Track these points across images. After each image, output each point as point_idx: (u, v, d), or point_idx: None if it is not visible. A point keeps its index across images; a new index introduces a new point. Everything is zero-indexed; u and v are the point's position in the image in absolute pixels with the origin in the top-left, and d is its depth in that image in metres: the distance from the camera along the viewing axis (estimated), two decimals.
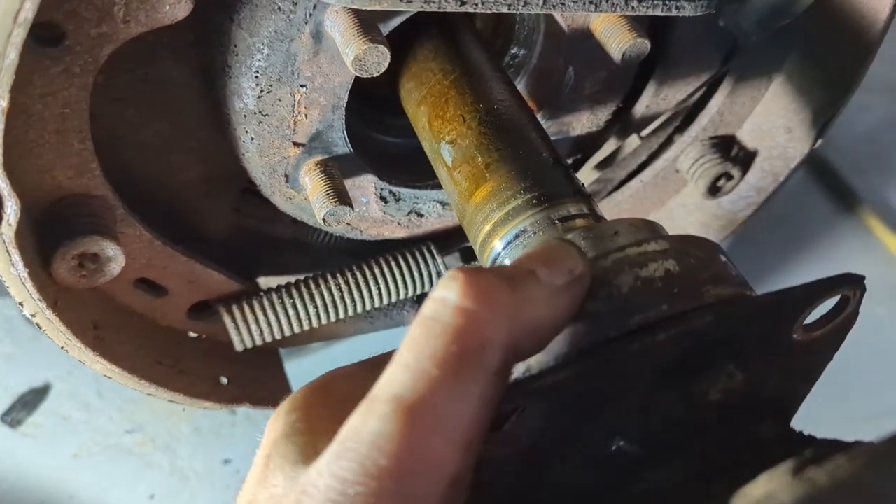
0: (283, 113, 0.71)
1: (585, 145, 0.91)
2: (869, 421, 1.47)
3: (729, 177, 0.93)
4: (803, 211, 1.78)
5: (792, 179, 0.95)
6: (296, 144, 0.74)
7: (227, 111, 0.72)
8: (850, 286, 0.49)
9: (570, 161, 0.92)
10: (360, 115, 0.85)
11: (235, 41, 0.67)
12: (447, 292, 0.41)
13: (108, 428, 1.29)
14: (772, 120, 0.90)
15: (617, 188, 0.99)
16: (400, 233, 0.87)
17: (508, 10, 0.63)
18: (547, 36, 0.81)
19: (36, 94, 0.59)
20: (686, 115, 0.94)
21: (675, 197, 0.99)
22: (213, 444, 1.28)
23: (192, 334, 0.85)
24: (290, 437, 0.45)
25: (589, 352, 0.46)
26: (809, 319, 0.50)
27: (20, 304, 0.64)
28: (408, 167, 0.84)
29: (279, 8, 0.64)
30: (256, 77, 0.68)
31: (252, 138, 0.72)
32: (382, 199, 0.83)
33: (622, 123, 0.91)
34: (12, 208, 0.58)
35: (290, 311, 0.83)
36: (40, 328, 0.66)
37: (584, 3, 0.65)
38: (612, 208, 0.99)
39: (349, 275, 0.85)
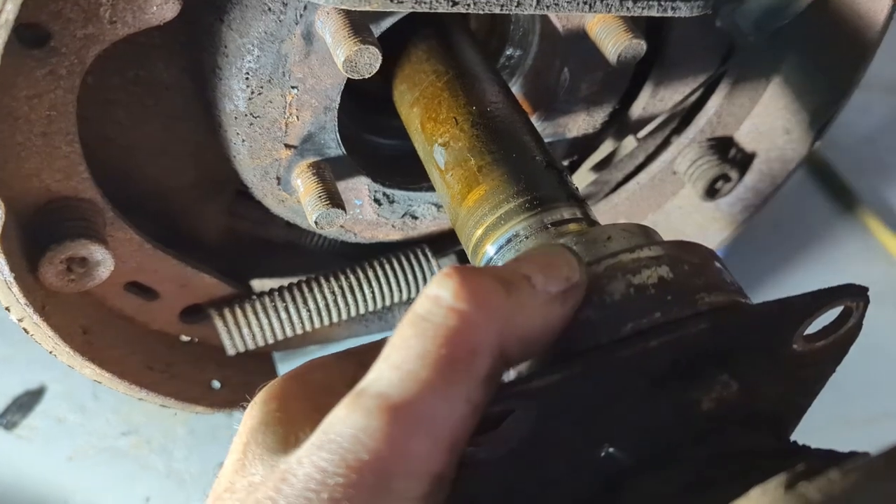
0: (274, 115, 0.70)
1: (581, 147, 0.90)
2: (867, 423, 1.46)
3: (727, 179, 0.92)
4: (802, 211, 1.78)
5: (791, 180, 0.94)
6: (287, 146, 0.73)
7: (217, 113, 0.71)
8: (854, 297, 0.48)
9: (566, 163, 0.91)
10: (354, 116, 0.84)
11: (225, 42, 0.66)
12: (441, 290, 0.41)
13: (103, 430, 1.28)
14: (770, 121, 0.90)
15: (614, 190, 0.98)
16: (394, 235, 0.87)
17: (501, 10, 0.62)
18: (542, 37, 0.80)
19: (22, 97, 0.58)
20: (683, 117, 0.93)
21: (673, 199, 0.98)
22: (209, 447, 1.27)
23: (183, 338, 0.84)
24: (268, 425, 0.45)
25: (579, 357, 0.45)
26: (811, 329, 0.50)
27: (7, 308, 0.63)
28: (402, 169, 0.84)
29: (269, 9, 0.63)
30: (247, 79, 0.67)
31: (243, 140, 0.72)
32: (376, 201, 0.82)
33: (619, 125, 0.90)
34: None
35: (283, 315, 0.82)
36: (28, 333, 0.65)
37: (579, 4, 0.64)
38: (608, 210, 0.98)
39: (343, 278, 0.84)
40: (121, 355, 0.75)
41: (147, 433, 1.27)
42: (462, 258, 0.96)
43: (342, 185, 0.77)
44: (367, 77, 0.63)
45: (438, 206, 0.85)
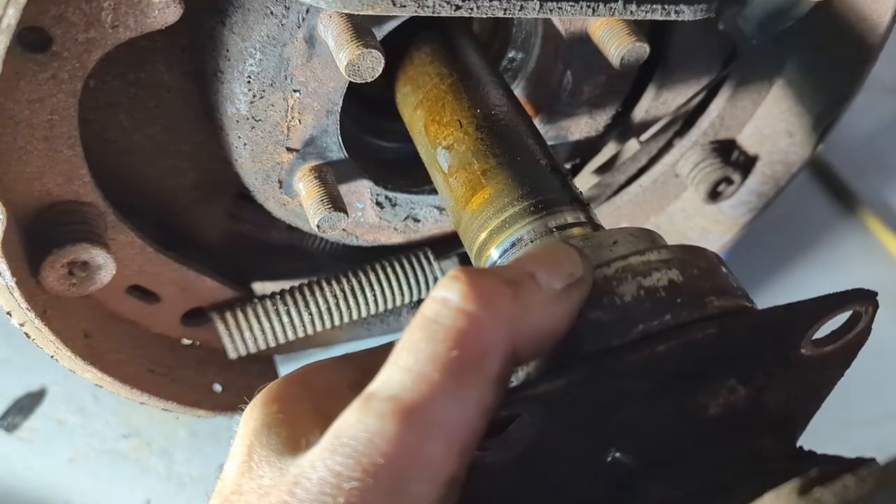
0: (276, 118, 0.70)
1: (584, 150, 0.90)
2: (869, 425, 1.46)
3: (729, 181, 0.92)
4: (803, 212, 1.77)
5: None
6: (289, 150, 0.73)
7: (219, 116, 0.71)
8: (862, 302, 0.48)
9: (568, 166, 0.91)
10: (356, 119, 0.84)
11: (227, 46, 0.66)
12: (448, 293, 0.41)
13: (104, 433, 1.27)
14: (773, 124, 0.89)
15: (616, 193, 0.98)
16: (396, 238, 0.86)
17: (504, 14, 0.61)
18: (545, 40, 0.80)
19: (23, 101, 0.58)
20: (686, 120, 0.93)
21: (675, 202, 0.98)
22: (210, 449, 1.27)
23: (185, 341, 0.84)
24: (271, 427, 0.45)
25: (586, 361, 0.45)
26: (820, 334, 0.49)
27: (8, 313, 0.63)
28: (404, 172, 0.83)
29: (271, 12, 0.63)
30: (249, 82, 0.67)
31: (245, 144, 0.71)
32: (378, 204, 0.82)
33: (621, 128, 0.90)
34: (0, 216, 0.57)
35: (285, 319, 0.82)
36: (30, 338, 0.65)
37: (582, 8, 0.64)
38: (611, 213, 0.98)
39: (345, 281, 0.84)
40: (122, 359, 0.74)
41: (148, 435, 1.27)
42: (464, 261, 0.96)
43: (344, 189, 0.77)
44: (369, 81, 0.62)
45: (440, 210, 0.85)
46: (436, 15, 0.61)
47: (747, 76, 0.87)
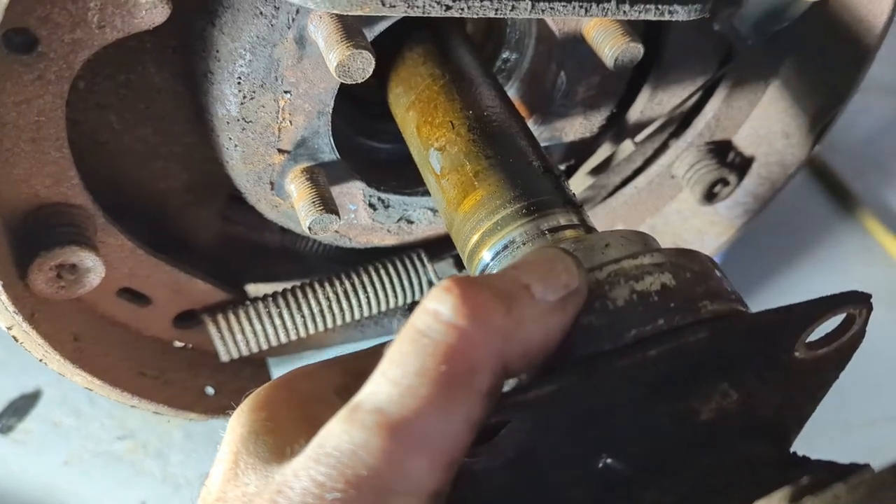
0: (266, 119, 0.69)
1: (579, 151, 0.89)
2: (866, 426, 1.45)
3: (725, 183, 0.91)
4: (801, 213, 1.77)
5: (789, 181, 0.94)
6: (280, 151, 0.72)
7: (210, 118, 0.70)
8: (857, 304, 0.47)
9: (563, 167, 0.90)
10: (348, 120, 0.83)
11: (217, 46, 0.66)
12: (440, 305, 0.40)
13: (99, 434, 1.27)
14: (769, 125, 0.89)
15: (611, 194, 0.97)
16: (389, 240, 0.86)
17: (496, 14, 0.61)
18: (538, 40, 0.80)
19: (9, 102, 0.58)
20: (681, 121, 0.93)
21: (671, 203, 0.97)
22: (206, 451, 1.27)
23: (177, 344, 0.84)
24: (258, 434, 0.44)
25: (577, 366, 0.45)
26: (814, 336, 0.49)
27: None
28: (397, 173, 0.83)
29: (261, 13, 0.63)
30: (239, 83, 0.66)
31: (236, 145, 0.71)
32: (371, 206, 0.81)
33: (616, 129, 0.90)
34: None
35: (278, 321, 0.81)
36: (18, 341, 0.65)
37: (575, 8, 0.63)
38: (606, 214, 0.97)
39: (338, 283, 0.83)
40: (113, 362, 0.74)
41: (143, 437, 1.26)
42: (458, 262, 0.95)
43: (336, 190, 0.76)
44: (360, 82, 0.62)
45: (434, 211, 0.85)
46: (426, 15, 0.60)
47: (743, 77, 0.87)
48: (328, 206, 0.71)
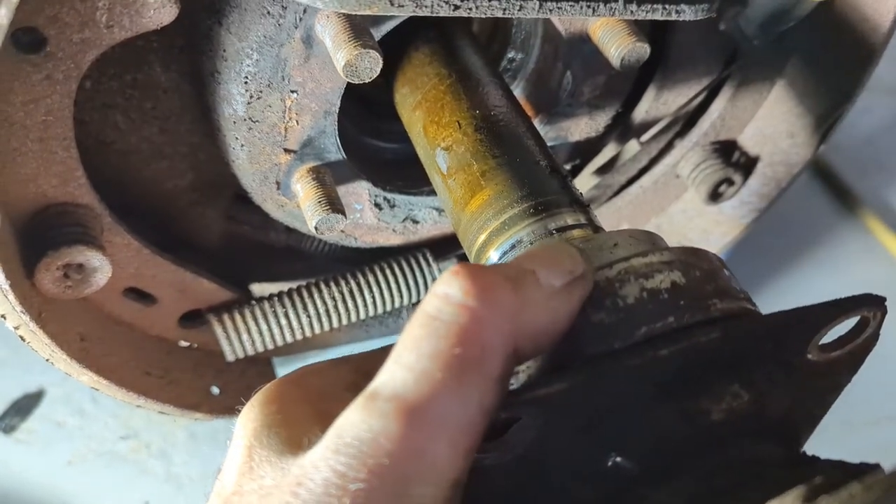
0: (273, 119, 0.69)
1: (584, 151, 0.89)
2: (869, 426, 1.45)
3: (730, 182, 0.91)
4: (803, 212, 1.76)
5: None
6: (287, 151, 0.72)
7: (216, 117, 0.70)
8: (871, 307, 0.47)
9: (568, 167, 0.90)
10: (354, 120, 0.83)
11: (224, 46, 0.66)
12: (449, 289, 0.40)
13: (102, 434, 1.27)
14: (774, 125, 0.89)
15: (616, 194, 0.97)
16: (395, 240, 0.86)
17: (503, 14, 0.61)
18: (544, 40, 0.80)
19: (18, 102, 0.58)
20: (687, 120, 0.93)
21: (676, 203, 0.97)
22: (209, 451, 1.26)
23: (182, 344, 0.83)
24: (271, 427, 0.44)
25: (587, 364, 0.45)
26: (827, 339, 0.49)
27: (2, 316, 0.62)
28: (402, 173, 0.83)
29: (268, 12, 0.63)
30: (246, 83, 0.66)
31: (242, 145, 0.71)
32: (377, 206, 0.81)
33: (622, 128, 0.90)
34: None
35: (283, 321, 0.81)
36: (25, 341, 0.64)
37: (582, 8, 0.63)
38: (611, 214, 0.97)
39: (344, 283, 0.83)
40: (119, 362, 0.74)
41: (146, 437, 1.26)
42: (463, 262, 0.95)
43: (342, 190, 0.76)
44: (367, 82, 0.62)
45: (440, 211, 0.85)
46: (434, 15, 0.60)
47: (749, 77, 0.87)
48: (334, 205, 0.71)
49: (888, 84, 1.86)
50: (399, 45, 0.75)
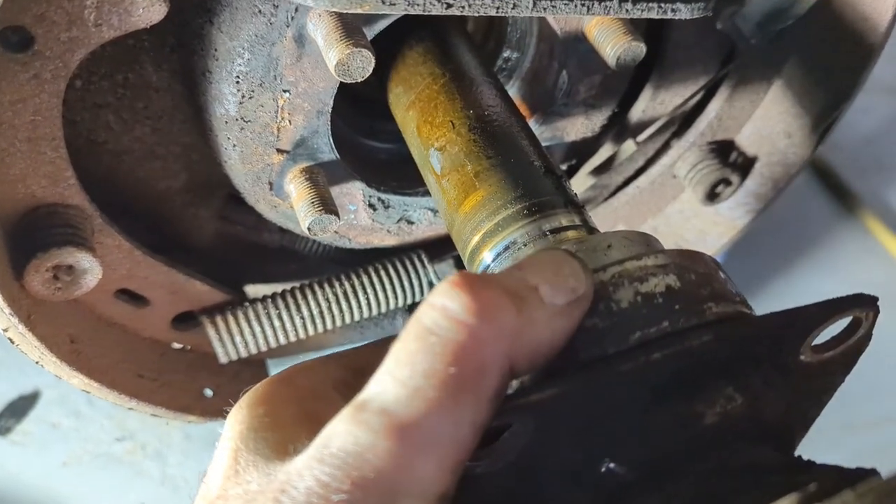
0: (265, 119, 0.69)
1: (580, 151, 0.89)
2: (868, 427, 1.45)
3: (727, 183, 0.91)
4: (802, 212, 1.76)
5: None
6: (279, 151, 0.72)
7: (208, 117, 0.70)
8: (863, 307, 0.47)
9: (564, 167, 0.90)
10: (348, 119, 0.83)
11: (216, 45, 0.65)
12: (449, 301, 0.39)
13: (98, 436, 1.27)
14: (771, 125, 0.88)
15: (613, 194, 0.97)
16: (390, 241, 0.85)
17: (497, 13, 0.60)
18: (540, 39, 0.79)
19: (5, 102, 0.57)
20: (683, 120, 0.92)
21: (673, 203, 0.97)
22: (205, 452, 1.26)
23: (175, 346, 0.83)
24: (257, 430, 0.44)
25: (580, 369, 0.44)
26: (820, 339, 0.48)
27: None
28: (397, 174, 0.82)
29: (260, 11, 0.62)
30: (237, 82, 0.66)
31: (234, 145, 0.70)
32: (371, 206, 0.81)
33: (618, 128, 0.89)
34: None
35: (277, 322, 0.81)
36: (14, 343, 0.64)
37: (577, 6, 0.62)
38: (608, 214, 0.97)
39: (338, 284, 0.83)
40: (110, 364, 0.73)
41: (142, 439, 1.26)
42: (459, 263, 0.95)
43: (336, 190, 0.76)
44: (359, 81, 0.61)
45: (434, 211, 0.84)
46: (427, 13, 0.60)
47: (746, 76, 0.86)
48: (327, 206, 0.71)
49: (887, 84, 1.85)
50: (392, 43, 0.74)
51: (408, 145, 0.72)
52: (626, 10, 0.64)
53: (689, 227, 0.97)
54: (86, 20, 0.56)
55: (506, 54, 0.83)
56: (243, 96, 0.67)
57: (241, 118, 0.68)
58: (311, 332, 0.82)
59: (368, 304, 0.84)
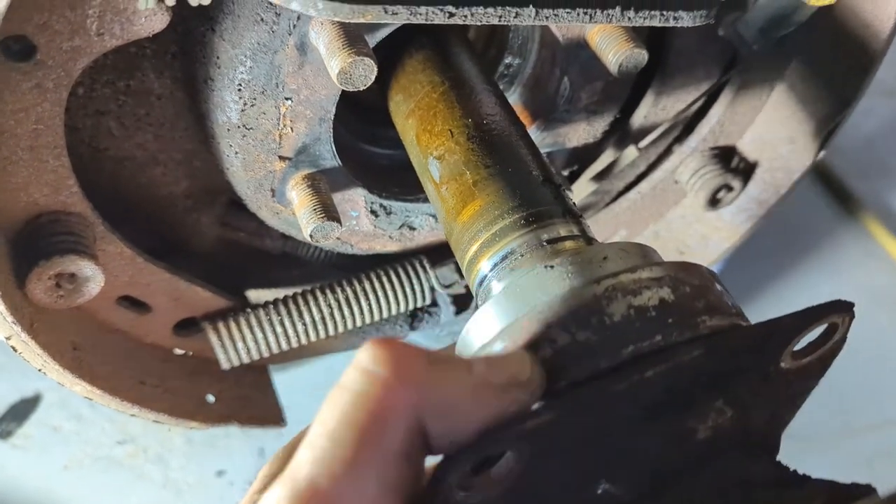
0: (267, 126, 0.69)
1: (582, 157, 0.89)
2: (869, 430, 1.45)
3: (729, 188, 0.91)
4: (803, 215, 1.76)
5: None
6: (282, 158, 0.72)
7: (210, 124, 0.70)
8: (840, 313, 0.47)
9: (565, 173, 0.90)
10: (349, 126, 0.83)
11: (218, 53, 0.65)
12: (363, 355, 0.39)
13: (99, 439, 1.27)
14: (773, 130, 0.88)
15: (615, 200, 0.97)
16: (392, 247, 0.85)
17: (499, 21, 0.60)
18: (542, 45, 0.79)
19: (7, 111, 0.57)
20: (685, 126, 0.92)
21: (675, 209, 0.97)
22: (207, 456, 1.26)
23: (177, 352, 0.83)
24: (260, 493, 0.44)
25: (573, 392, 0.44)
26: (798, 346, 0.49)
27: None
28: (399, 180, 0.82)
29: (262, 19, 0.62)
30: (239, 90, 0.66)
31: (236, 152, 0.70)
32: (373, 212, 0.81)
33: (620, 134, 0.89)
34: None
35: (279, 328, 0.81)
36: (16, 351, 0.64)
37: (579, 15, 0.62)
38: (609, 220, 0.97)
39: (340, 290, 0.83)
40: (112, 371, 0.73)
41: (143, 442, 1.26)
42: (459, 269, 0.95)
43: (338, 197, 0.76)
44: (361, 89, 0.61)
45: (436, 217, 0.84)
46: (429, 22, 0.60)
47: (747, 82, 0.86)
48: (330, 213, 0.71)
49: (888, 86, 1.85)
50: (393, 51, 0.74)
51: (408, 153, 0.72)
52: (629, 18, 0.64)
53: (691, 232, 0.97)
54: (88, 29, 0.56)
55: (507, 61, 0.83)
56: (245, 104, 0.67)
57: (244, 125, 0.68)
58: (313, 337, 0.82)
59: (370, 309, 0.84)
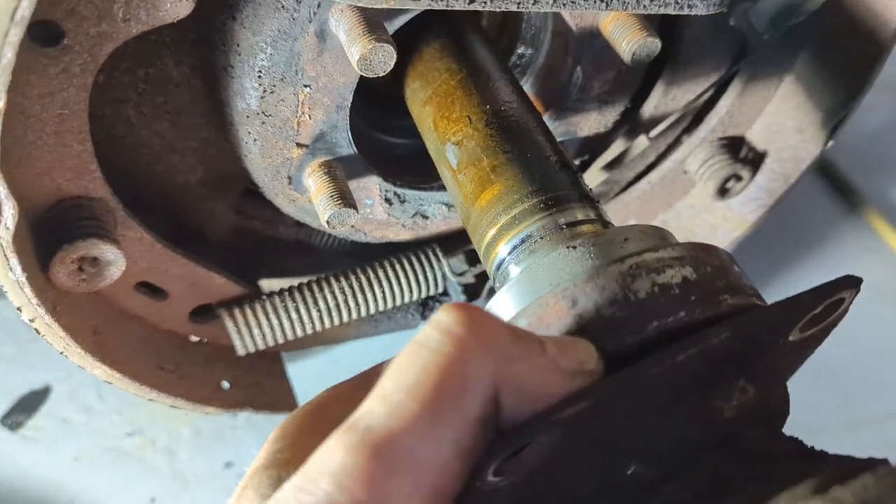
0: (286, 113, 0.69)
1: (593, 146, 0.90)
2: (872, 423, 1.46)
3: (738, 178, 0.92)
4: (806, 210, 1.76)
5: None
6: (299, 146, 0.72)
7: (229, 112, 0.71)
8: (850, 289, 0.48)
9: (577, 162, 0.90)
10: (365, 115, 0.84)
11: (238, 40, 0.66)
12: (444, 315, 0.39)
13: (108, 431, 1.27)
14: (782, 121, 0.89)
15: (625, 189, 0.97)
16: (405, 235, 0.86)
17: (518, 8, 0.61)
18: (554, 35, 0.80)
19: (34, 95, 0.58)
20: (695, 116, 0.93)
21: (684, 198, 0.98)
22: (215, 447, 1.26)
23: (193, 338, 0.84)
24: (267, 468, 0.43)
25: (610, 378, 0.44)
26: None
27: (18, 308, 0.62)
28: (413, 168, 0.83)
29: (283, 6, 0.63)
30: (259, 77, 0.67)
31: (255, 139, 0.71)
32: (387, 200, 0.81)
33: (630, 124, 0.90)
34: (10, 212, 0.57)
35: (293, 315, 0.82)
36: (39, 333, 0.65)
37: (595, 2, 0.63)
38: (619, 209, 0.97)
39: (353, 278, 0.84)
40: (131, 356, 0.74)
41: (152, 434, 1.26)
42: (472, 258, 0.96)
43: (353, 185, 0.77)
44: (381, 75, 0.62)
45: (449, 206, 0.85)
46: (449, 9, 0.60)
47: (757, 72, 0.87)
48: (346, 200, 0.71)
49: (892, 81, 1.86)
50: (409, 39, 0.75)
51: (424, 140, 0.73)
52: (644, 6, 0.65)
53: (700, 222, 0.97)
54: (115, 15, 0.56)
55: (520, 50, 0.84)
56: (265, 91, 0.67)
57: (263, 112, 0.69)
58: (327, 324, 0.83)
59: (383, 297, 0.85)
